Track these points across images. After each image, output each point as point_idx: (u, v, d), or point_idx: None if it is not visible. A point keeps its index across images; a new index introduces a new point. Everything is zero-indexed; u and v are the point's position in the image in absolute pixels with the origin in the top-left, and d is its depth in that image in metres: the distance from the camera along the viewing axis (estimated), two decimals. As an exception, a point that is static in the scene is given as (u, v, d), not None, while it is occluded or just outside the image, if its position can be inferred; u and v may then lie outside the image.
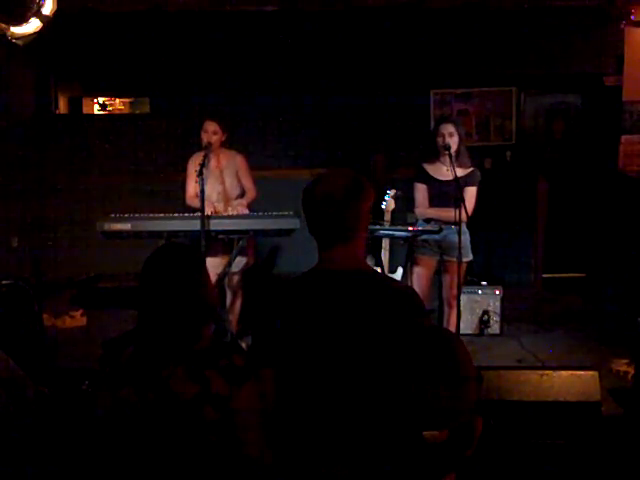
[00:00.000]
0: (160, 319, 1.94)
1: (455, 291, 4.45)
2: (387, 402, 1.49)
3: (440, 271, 4.60)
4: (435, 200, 4.50)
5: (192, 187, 4.66)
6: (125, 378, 1.91)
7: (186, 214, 4.58)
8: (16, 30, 3.59)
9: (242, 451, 1.89)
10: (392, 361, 1.50)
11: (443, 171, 4.46)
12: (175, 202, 5.15)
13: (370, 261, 4.58)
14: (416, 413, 1.43)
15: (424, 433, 1.41)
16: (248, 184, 4.80)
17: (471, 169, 4.51)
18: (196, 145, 4.74)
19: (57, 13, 3.67)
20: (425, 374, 1.44)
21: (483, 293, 5.37)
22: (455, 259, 4.32)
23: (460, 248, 4.25)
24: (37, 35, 3.65)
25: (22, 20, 3.57)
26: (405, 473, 1.47)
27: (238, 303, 4.84)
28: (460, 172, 4.35)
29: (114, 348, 1.98)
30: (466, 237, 4.43)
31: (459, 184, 4.22)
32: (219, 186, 4.71)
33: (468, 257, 4.49)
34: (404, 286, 2.32)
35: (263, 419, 1.92)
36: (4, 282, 4.27)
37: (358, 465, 1.76)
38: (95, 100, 8.42)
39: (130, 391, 1.89)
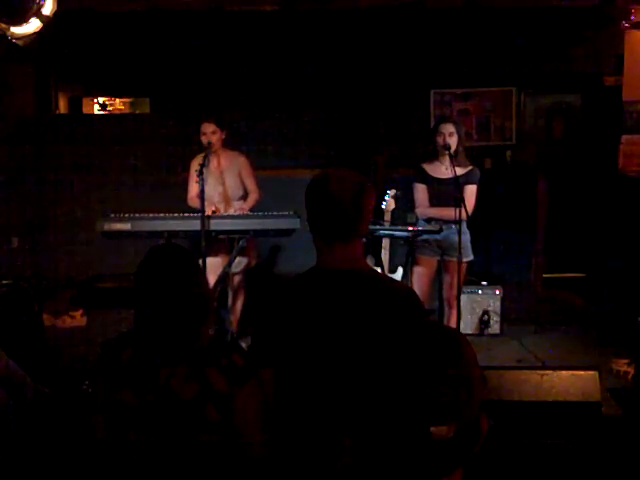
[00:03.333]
0: (158, 320, 1.92)
1: (455, 291, 4.45)
2: (391, 400, 1.49)
3: (440, 271, 4.60)
4: (435, 200, 4.50)
5: (193, 188, 4.66)
6: (124, 380, 1.90)
7: (186, 214, 4.57)
8: (16, 30, 3.59)
9: (243, 451, 1.88)
10: (396, 360, 1.51)
11: (442, 170, 4.46)
12: (175, 202, 5.14)
13: (370, 261, 4.58)
14: (422, 411, 1.44)
15: (431, 428, 1.42)
16: (251, 185, 4.77)
17: (470, 167, 4.51)
18: (196, 145, 4.74)
19: (57, 13, 3.67)
20: (431, 372, 1.44)
21: (483, 293, 5.37)
22: (455, 259, 4.32)
23: (460, 248, 4.25)
24: (37, 35, 3.65)
25: (22, 20, 3.56)
26: (412, 470, 1.47)
27: (239, 303, 4.83)
28: (459, 171, 4.35)
29: (112, 350, 1.97)
30: (466, 237, 4.43)
31: (459, 183, 4.22)
32: (219, 187, 4.70)
33: (468, 257, 4.49)
34: (403, 286, 2.33)
35: (264, 419, 1.91)
36: (4, 282, 4.27)
37: (362, 462, 1.76)
38: (95, 100, 8.42)
39: (130, 393, 1.88)
